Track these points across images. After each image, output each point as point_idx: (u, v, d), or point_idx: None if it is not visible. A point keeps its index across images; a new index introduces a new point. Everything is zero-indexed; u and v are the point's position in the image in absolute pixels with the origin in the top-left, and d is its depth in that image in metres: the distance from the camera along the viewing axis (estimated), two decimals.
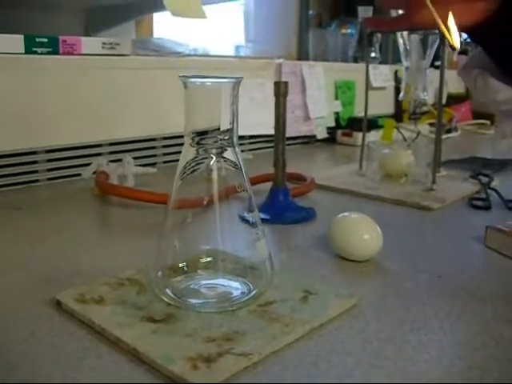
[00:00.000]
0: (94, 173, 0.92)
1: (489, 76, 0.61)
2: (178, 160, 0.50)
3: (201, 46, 1.42)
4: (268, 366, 0.41)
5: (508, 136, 0.61)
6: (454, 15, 0.54)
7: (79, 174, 0.97)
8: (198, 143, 0.48)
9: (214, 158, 0.48)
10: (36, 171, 0.96)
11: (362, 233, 0.61)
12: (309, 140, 1.45)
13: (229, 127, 0.48)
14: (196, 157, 0.49)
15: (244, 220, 0.50)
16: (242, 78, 0.47)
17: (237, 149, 0.49)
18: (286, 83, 0.75)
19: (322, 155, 1.39)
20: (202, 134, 0.48)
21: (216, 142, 0.48)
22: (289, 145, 0.78)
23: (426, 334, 0.46)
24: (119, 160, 0.96)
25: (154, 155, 1.13)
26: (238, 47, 1.73)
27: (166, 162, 1.14)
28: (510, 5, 0.54)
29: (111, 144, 1.05)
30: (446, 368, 0.41)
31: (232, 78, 0.46)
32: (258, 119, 1.24)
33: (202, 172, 0.49)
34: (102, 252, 0.65)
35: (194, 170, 0.49)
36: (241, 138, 0.49)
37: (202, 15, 0.81)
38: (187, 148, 0.49)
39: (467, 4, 0.56)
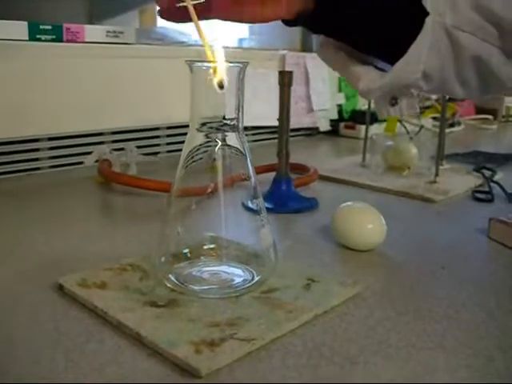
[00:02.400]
0: (97, 161, 0.91)
1: (347, 59, 0.55)
2: (181, 150, 0.50)
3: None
4: (271, 351, 0.41)
5: (385, 114, 0.58)
6: (252, 13, 0.51)
7: (81, 163, 0.97)
8: (203, 127, 0.48)
9: (220, 143, 0.48)
10: (38, 159, 0.96)
11: (366, 222, 0.60)
12: (311, 132, 1.44)
13: (234, 113, 0.48)
14: (201, 144, 0.49)
15: (248, 207, 0.49)
16: (247, 62, 0.46)
17: (242, 134, 0.49)
18: (290, 73, 0.75)
19: (324, 147, 1.39)
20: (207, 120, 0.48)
21: (222, 126, 0.47)
22: (291, 136, 0.78)
23: (430, 322, 0.46)
24: (122, 149, 0.95)
25: (157, 144, 1.13)
26: (241, 40, 1.72)
27: (168, 151, 1.14)
28: None
29: (114, 133, 1.05)
30: (449, 356, 0.41)
31: (238, 62, 0.46)
32: (261, 110, 1.24)
33: (207, 159, 0.49)
34: (104, 239, 0.65)
35: (198, 157, 0.49)
36: (244, 128, 0.49)
37: None
38: (192, 134, 0.49)
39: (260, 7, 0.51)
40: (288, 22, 0.55)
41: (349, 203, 0.63)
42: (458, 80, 0.54)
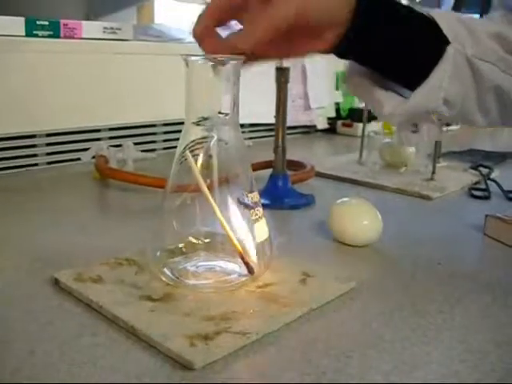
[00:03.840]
0: (94, 157, 0.91)
1: (372, 86, 0.56)
2: (177, 147, 0.50)
3: None
4: (266, 345, 0.41)
5: (407, 144, 0.60)
6: (300, 50, 0.52)
7: (78, 159, 0.96)
8: (199, 122, 0.48)
9: (215, 137, 0.48)
10: (35, 155, 0.96)
11: (362, 218, 0.60)
12: (309, 130, 1.44)
13: (230, 108, 0.48)
14: (197, 138, 0.49)
15: (243, 202, 0.49)
16: (244, 57, 0.46)
17: (238, 129, 0.49)
18: (287, 69, 0.75)
19: (321, 145, 1.39)
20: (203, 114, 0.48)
21: (217, 121, 0.47)
22: (288, 134, 0.78)
23: (425, 317, 0.46)
24: (119, 145, 0.95)
25: (154, 141, 1.13)
26: None
27: (165, 148, 1.14)
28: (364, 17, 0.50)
29: (111, 129, 1.05)
30: (444, 350, 0.41)
31: (234, 57, 0.46)
32: (257, 108, 1.23)
33: (203, 153, 0.49)
34: (100, 234, 0.65)
35: (194, 152, 0.49)
36: (241, 126, 0.49)
37: None
38: (187, 128, 0.49)
39: (312, 39, 0.51)
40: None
41: (345, 199, 0.63)
42: (479, 108, 0.55)
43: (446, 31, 0.51)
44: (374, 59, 0.54)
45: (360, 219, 0.60)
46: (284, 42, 0.50)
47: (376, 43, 0.52)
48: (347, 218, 0.61)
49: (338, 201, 0.63)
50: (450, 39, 0.51)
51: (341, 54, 0.54)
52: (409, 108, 0.53)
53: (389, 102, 0.54)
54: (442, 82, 0.51)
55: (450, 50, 0.51)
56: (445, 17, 0.52)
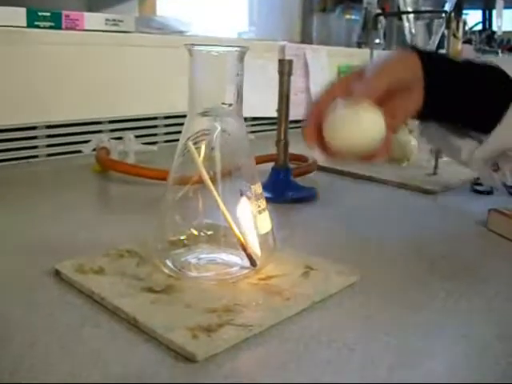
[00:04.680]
0: (95, 150, 0.91)
1: (448, 135, 0.60)
2: (178, 140, 0.49)
3: (203, 32, 1.41)
4: (268, 338, 0.40)
5: (491, 182, 0.62)
6: (390, 114, 0.53)
7: (79, 151, 0.96)
8: (202, 112, 0.47)
9: (219, 128, 0.47)
10: (36, 147, 0.95)
11: (362, 116, 0.52)
12: None
13: (234, 99, 0.47)
14: (200, 130, 0.48)
15: (246, 192, 0.49)
16: (247, 48, 0.46)
17: (241, 120, 0.48)
18: (290, 61, 0.75)
19: None
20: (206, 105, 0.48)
21: (221, 112, 0.47)
22: (290, 128, 0.78)
23: (429, 311, 0.46)
24: (120, 138, 0.95)
25: (155, 134, 1.12)
26: (240, 33, 1.72)
27: (166, 141, 1.13)
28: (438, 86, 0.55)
29: (112, 121, 1.05)
30: (447, 345, 0.41)
31: (238, 46, 0.45)
32: (260, 102, 1.23)
33: (205, 144, 0.48)
34: (102, 225, 0.65)
35: (196, 143, 0.48)
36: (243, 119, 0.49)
37: None
38: (191, 119, 0.48)
39: (401, 101, 0.54)
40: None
41: (341, 100, 0.54)
42: None
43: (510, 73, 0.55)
44: (450, 114, 0.58)
45: (361, 117, 0.52)
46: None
47: (450, 99, 0.56)
48: (345, 119, 0.52)
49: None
50: None
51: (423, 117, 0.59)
52: (486, 150, 0.56)
53: (466, 147, 0.58)
54: None
55: None
56: (507, 61, 0.58)
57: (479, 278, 0.53)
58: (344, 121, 0.52)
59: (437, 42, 1.18)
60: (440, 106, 0.57)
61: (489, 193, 0.84)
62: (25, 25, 0.92)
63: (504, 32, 1.83)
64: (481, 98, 0.57)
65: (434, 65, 0.55)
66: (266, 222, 0.49)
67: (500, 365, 0.38)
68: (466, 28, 1.81)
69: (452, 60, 0.59)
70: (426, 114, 0.57)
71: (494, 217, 0.66)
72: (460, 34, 1.07)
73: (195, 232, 0.51)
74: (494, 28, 1.92)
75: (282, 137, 0.77)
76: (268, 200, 0.51)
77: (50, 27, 0.95)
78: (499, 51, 1.75)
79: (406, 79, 0.54)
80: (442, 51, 1.06)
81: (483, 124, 0.57)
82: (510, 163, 0.58)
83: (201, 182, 0.48)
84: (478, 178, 0.91)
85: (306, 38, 1.67)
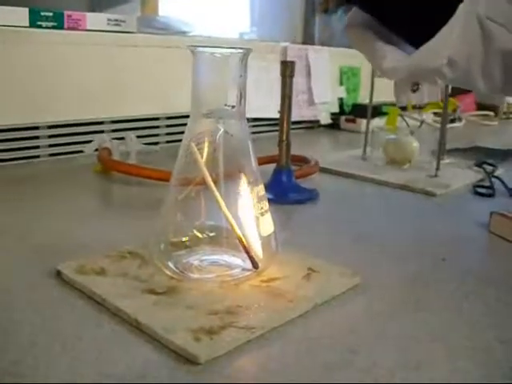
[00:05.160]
0: (97, 150, 0.91)
1: (374, 39, 0.54)
2: (181, 140, 0.49)
3: (205, 32, 1.41)
4: (271, 340, 0.40)
5: (405, 101, 0.57)
6: None
7: (81, 151, 0.96)
8: (204, 114, 0.47)
9: (221, 130, 0.47)
10: (38, 146, 0.95)
11: None
12: (312, 125, 1.44)
13: (236, 100, 0.47)
14: (202, 131, 0.48)
15: (249, 194, 0.49)
16: (251, 49, 0.46)
17: (244, 121, 0.48)
18: (292, 63, 0.75)
19: (325, 140, 1.39)
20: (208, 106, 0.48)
21: (223, 113, 0.47)
22: (292, 129, 0.77)
23: (431, 314, 0.45)
24: (122, 138, 0.95)
25: (157, 134, 1.12)
26: (242, 34, 1.71)
27: (168, 141, 1.13)
28: None
29: (114, 122, 1.04)
30: (450, 347, 0.41)
31: (241, 48, 0.45)
32: (262, 102, 1.23)
33: (208, 146, 0.48)
34: (103, 226, 0.65)
35: (199, 144, 0.48)
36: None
37: None
38: (193, 120, 0.48)
39: None
40: None
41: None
42: (483, 73, 0.53)
43: None
44: (381, 9, 0.53)
45: None
46: None
47: None
48: None
49: None
50: None
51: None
52: (411, 64, 0.51)
53: (391, 55, 0.52)
54: (449, 40, 0.49)
55: (461, 8, 0.49)
56: None
57: (481, 280, 0.53)
58: None
59: None
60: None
61: (491, 195, 0.84)
62: (27, 25, 0.92)
63: None
64: (421, 7, 0.51)
65: None
66: (268, 224, 0.49)
67: (502, 368, 0.38)
68: None
69: None
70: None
71: (495, 219, 0.66)
72: None
73: (197, 233, 0.50)
74: None
75: (284, 138, 0.77)
76: (270, 201, 0.51)
77: (53, 27, 0.95)
78: None
79: None
80: None
81: (415, 37, 0.52)
82: (431, 84, 0.54)
83: (203, 183, 0.48)
84: (480, 180, 0.91)
85: (308, 39, 1.67)
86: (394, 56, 0.53)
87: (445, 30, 0.49)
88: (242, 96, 0.47)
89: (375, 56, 0.54)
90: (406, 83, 0.55)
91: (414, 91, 0.55)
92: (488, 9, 0.50)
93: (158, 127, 1.12)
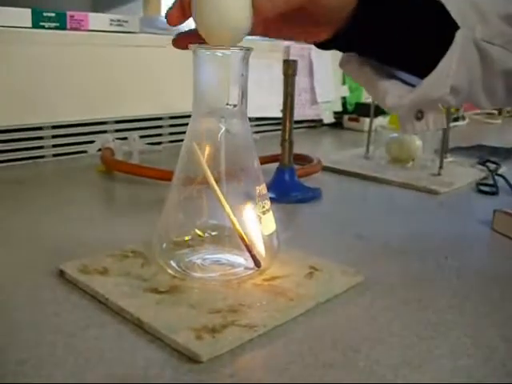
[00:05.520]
0: (100, 150, 0.91)
1: (373, 74, 0.54)
2: (183, 140, 0.49)
3: None
4: (273, 338, 0.40)
5: (412, 132, 0.56)
6: (298, 36, 0.51)
7: (85, 151, 0.96)
8: (206, 113, 0.47)
9: (223, 128, 0.47)
10: (41, 147, 0.96)
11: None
12: (315, 124, 1.44)
13: (238, 99, 0.47)
14: (203, 130, 0.48)
15: (251, 193, 0.49)
16: (252, 49, 0.46)
17: (246, 121, 0.48)
18: (295, 62, 0.75)
19: (328, 139, 1.39)
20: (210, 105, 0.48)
21: (225, 112, 0.47)
22: (295, 128, 0.77)
23: (433, 312, 0.45)
24: (125, 138, 0.95)
25: (160, 134, 1.12)
26: None
27: (171, 141, 1.13)
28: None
29: (117, 122, 1.05)
30: (453, 345, 0.41)
31: (242, 47, 0.45)
32: (264, 101, 1.23)
33: (210, 145, 0.48)
34: (106, 226, 0.65)
35: (201, 143, 0.48)
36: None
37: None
38: (195, 120, 0.48)
39: (313, 27, 0.50)
40: (321, 45, 0.54)
41: None
42: (485, 92, 0.54)
43: (454, 15, 0.49)
44: (377, 49, 0.53)
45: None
46: (284, 24, 0.49)
47: (381, 33, 0.50)
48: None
49: None
50: (458, 24, 0.49)
51: (340, 47, 0.53)
52: (415, 98, 0.51)
53: (393, 91, 0.52)
54: (450, 70, 0.50)
55: (458, 36, 0.49)
56: None
57: (484, 278, 0.53)
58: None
59: None
60: (369, 40, 0.51)
61: (494, 193, 0.84)
62: (30, 25, 0.92)
63: None
64: (417, 38, 0.51)
65: None
66: (270, 223, 0.49)
67: (506, 366, 0.38)
68: None
69: None
70: (348, 46, 0.53)
71: (499, 217, 0.66)
72: None
73: (200, 232, 0.51)
74: None
75: (287, 137, 0.77)
76: (272, 200, 0.51)
77: (55, 28, 0.95)
78: None
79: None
80: None
81: (415, 67, 0.52)
82: (435, 112, 0.54)
83: (205, 182, 0.48)
84: (483, 178, 0.91)
85: None
86: (395, 91, 0.52)
87: (445, 60, 0.50)
88: (243, 95, 0.47)
89: (376, 92, 0.54)
90: (410, 113, 0.54)
91: (418, 119, 0.54)
92: (484, 32, 0.50)
93: (160, 127, 1.12)
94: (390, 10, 0.50)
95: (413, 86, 0.52)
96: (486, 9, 0.51)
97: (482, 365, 0.38)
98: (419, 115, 0.54)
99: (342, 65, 0.57)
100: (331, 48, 0.53)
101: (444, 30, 0.50)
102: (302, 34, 0.52)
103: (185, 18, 0.46)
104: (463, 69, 0.50)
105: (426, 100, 0.52)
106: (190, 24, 0.47)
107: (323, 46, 0.53)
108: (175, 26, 0.47)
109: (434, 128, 0.54)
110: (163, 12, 1.43)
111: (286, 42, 1.33)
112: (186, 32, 0.48)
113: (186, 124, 0.49)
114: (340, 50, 0.55)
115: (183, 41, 0.48)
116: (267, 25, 0.48)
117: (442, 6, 0.50)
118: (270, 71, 1.24)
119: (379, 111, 1.25)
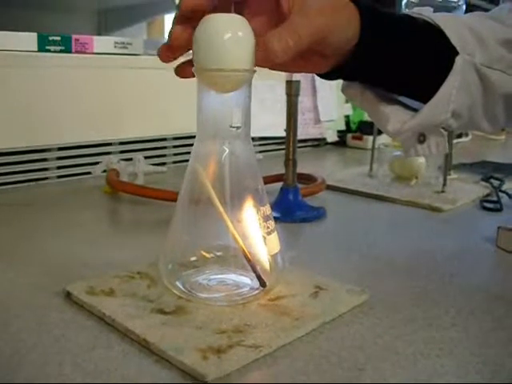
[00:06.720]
0: (105, 171, 0.92)
1: (375, 100, 0.54)
2: (188, 160, 0.50)
3: None
4: (278, 358, 0.40)
5: (414, 155, 0.57)
6: (300, 69, 0.52)
7: (89, 173, 0.97)
8: (210, 135, 0.48)
9: (227, 150, 0.48)
10: (46, 169, 0.96)
11: (225, 32, 0.44)
12: (319, 143, 1.45)
13: (242, 121, 0.48)
14: (207, 152, 0.49)
15: (255, 214, 0.49)
16: (255, 70, 0.46)
17: (249, 142, 0.49)
18: (298, 82, 0.76)
19: (332, 158, 1.39)
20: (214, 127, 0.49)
21: (229, 134, 0.48)
22: (299, 147, 0.78)
23: (438, 330, 0.45)
24: (129, 159, 0.96)
25: (164, 155, 1.13)
26: None
27: (175, 162, 1.14)
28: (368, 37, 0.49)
29: (122, 143, 1.06)
30: (459, 363, 0.41)
31: (246, 70, 0.46)
32: (268, 121, 1.24)
33: (214, 167, 0.49)
34: (112, 247, 0.65)
35: (205, 165, 0.49)
36: (251, 139, 0.49)
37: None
38: (199, 142, 0.49)
39: (316, 61, 0.51)
40: (323, 75, 0.55)
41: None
42: (486, 116, 0.54)
43: (454, 42, 0.50)
44: (379, 77, 0.53)
45: (222, 34, 0.44)
46: (290, 61, 0.48)
47: (382, 62, 0.51)
48: (211, 35, 0.45)
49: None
50: (458, 50, 0.50)
51: (343, 76, 0.54)
52: (416, 123, 0.52)
53: (394, 117, 0.53)
54: (451, 95, 0.51)
55: (458, 61, 0.50)
56: (451, 24, 0.52)
57: (489, 296, 0.53)
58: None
59: None
60: (372, 70, 0.52)
61: (498, 210, 0.84)
62: (36, 49, 0.93)
63: None
64: (418, 65, 0.52)
65: (373, 21, 0.49)
66: (274, 243, 0.49)
67: None
68: None
69: (391, 16, 0.51)
70: (351, 76, 0.53)
71: (503, 234, 0.66)
72: None
73: (205, 253, 0.51)
74: None
75: (291, 156, 0.77)
76: (277, 220, 0.52)
77: (61, 51, 0.96)
78: None
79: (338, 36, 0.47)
80: None
81: (417, 92, 0.53)
82: (437, 136, 0.54)
83: (210, 203, 0.48)
84: (487, 195, 0.92)
85: None
86: (397, 117, 0.53)
87: (445, 85, 0.51)
88: (247, 117, 0.48)
89: (378, 118, 0.54)
90: (412, 137, 0.55)
91: (420, 142, 0.54)
92: (484, 57, 0.51)
93: (165, 148, 1.13)
94: (391, 39, 0.50)
95: (415, 109, 0.53)
96: (484, 34, 0.52)
97: (489, 382, 0.38)
98: (421, 138, 0.54)
99: (343, 90, 0.58)
100: (334, 78, 0.54)
101: (444, 55, 0.51)
102: (307, 68, 0.53)
103: (174, 57, 0.49)
104: (464, 93, 0.51)
105: (428, 125, 0.53)
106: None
107: (326, 76, 0.54)
108: (167, 63, 0.50)
109: (436, 152, 0.55)
110: (166, 34, 1.45)
111: None
112: (188, 61, 0.49)
113: (190, 144, 0.50)
114: (343, 79, 0.56)
115: (186, 70, 0.49)
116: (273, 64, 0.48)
117: (442, 32, 0.51)
118: (273, 91, 1.25)
119: None
